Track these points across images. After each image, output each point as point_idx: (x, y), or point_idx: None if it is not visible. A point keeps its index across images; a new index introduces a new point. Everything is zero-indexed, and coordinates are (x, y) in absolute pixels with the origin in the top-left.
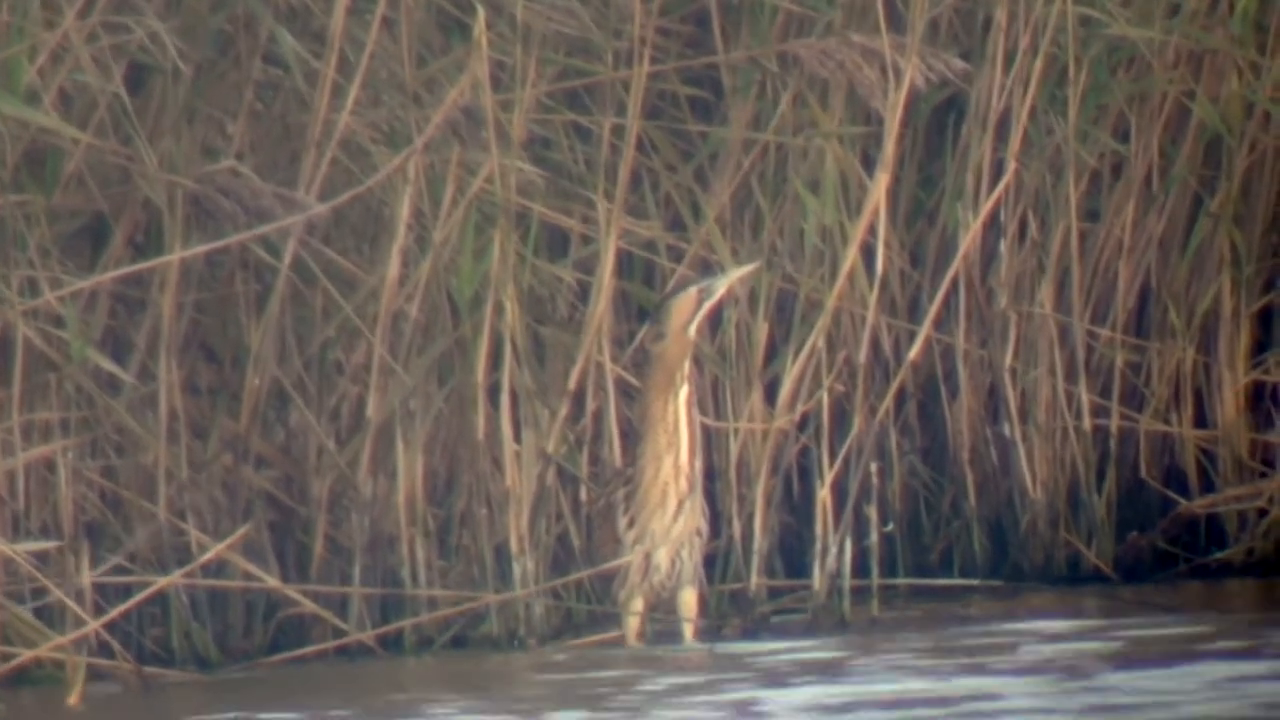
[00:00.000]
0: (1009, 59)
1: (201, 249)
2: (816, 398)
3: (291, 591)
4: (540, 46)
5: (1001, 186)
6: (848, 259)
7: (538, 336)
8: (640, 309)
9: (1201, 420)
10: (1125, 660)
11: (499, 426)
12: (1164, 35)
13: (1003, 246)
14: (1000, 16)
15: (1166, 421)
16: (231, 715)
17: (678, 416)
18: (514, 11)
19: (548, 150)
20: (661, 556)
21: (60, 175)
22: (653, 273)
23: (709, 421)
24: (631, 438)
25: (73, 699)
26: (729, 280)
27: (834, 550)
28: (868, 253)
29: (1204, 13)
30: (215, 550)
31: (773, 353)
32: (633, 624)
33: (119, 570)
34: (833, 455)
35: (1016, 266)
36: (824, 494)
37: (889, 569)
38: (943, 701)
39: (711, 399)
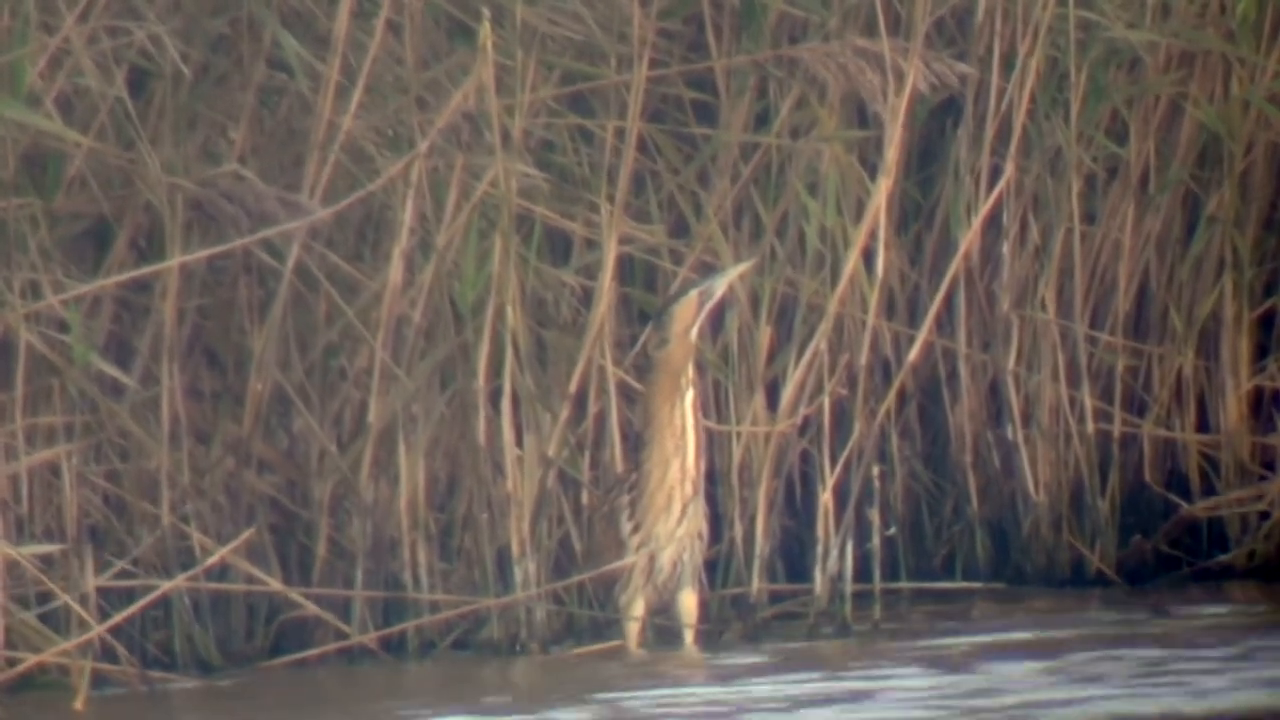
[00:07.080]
0: (1008, 61)
1: (204, 254)
2: (818, 401)
3: (294, 594)
4: (542, 49)
5: (999, 188)
6: (849, 263)
7: (540, 340)
8: (642, 312)
9: (1204, 425)
10: (1126, 663)
11: (500, 430)
12: (1161, 36)
13: (1005, 250)
14: (998, 19)
15: (1168, 426)
16: None
17: (684, 420)
18: (517, 15)
19: (551, 154)
20: (665, 559)
21: (62, 179)
22: (654, 276)
23: (711, 425)
24: (634, 441)
25: (78, 704)
26: (728, 279)
27: (835, 554)
28: (868, 256)
29: (1196, 12)
30: (219, 554)
31: (774, 356)
32: (633, 629)
33: (122, 574)
34: (834, 459)
35: (1019, 270)
36: (826, 497)
37: (891, 573)
38: (945, 706)
39: (714, 402)
